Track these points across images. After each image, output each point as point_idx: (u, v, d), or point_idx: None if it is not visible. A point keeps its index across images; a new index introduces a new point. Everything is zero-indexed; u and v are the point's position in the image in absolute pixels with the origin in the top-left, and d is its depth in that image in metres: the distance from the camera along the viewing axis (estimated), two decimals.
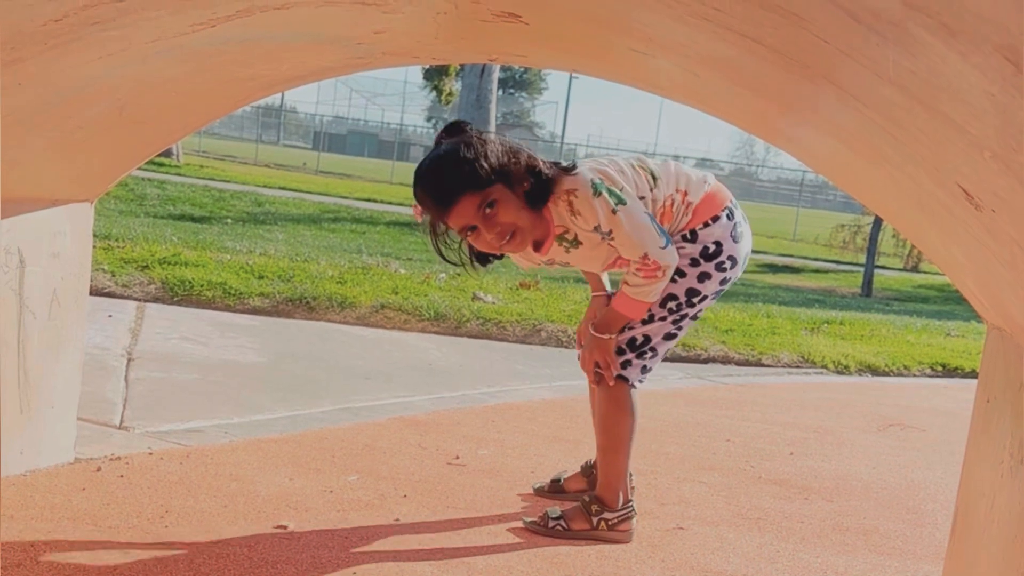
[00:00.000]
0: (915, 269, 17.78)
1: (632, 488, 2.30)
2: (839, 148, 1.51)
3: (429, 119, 53.11)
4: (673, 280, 2.15)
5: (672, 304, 2.19)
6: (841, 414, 4.00)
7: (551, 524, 2.23)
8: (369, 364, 3.98)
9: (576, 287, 6.43)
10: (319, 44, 1.92)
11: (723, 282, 2.21)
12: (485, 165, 1.95)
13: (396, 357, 4.20)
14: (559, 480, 2.54)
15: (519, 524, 2.27)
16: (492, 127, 15.38)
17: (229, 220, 11.50)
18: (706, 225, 2.18)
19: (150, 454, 2.51)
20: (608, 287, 2.41)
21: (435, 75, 24.89)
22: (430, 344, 4.59)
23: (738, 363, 4.97)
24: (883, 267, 16.41)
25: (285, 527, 2.10)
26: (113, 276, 4.83)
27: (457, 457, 2.79)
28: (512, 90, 61.27)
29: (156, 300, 4.75)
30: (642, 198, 2.10)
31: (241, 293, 4.91)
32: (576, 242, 2.11)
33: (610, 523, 2.22)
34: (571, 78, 37.92)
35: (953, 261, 1.47)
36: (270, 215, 12.82)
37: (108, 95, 1.89)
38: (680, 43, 1.49)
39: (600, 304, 2.38)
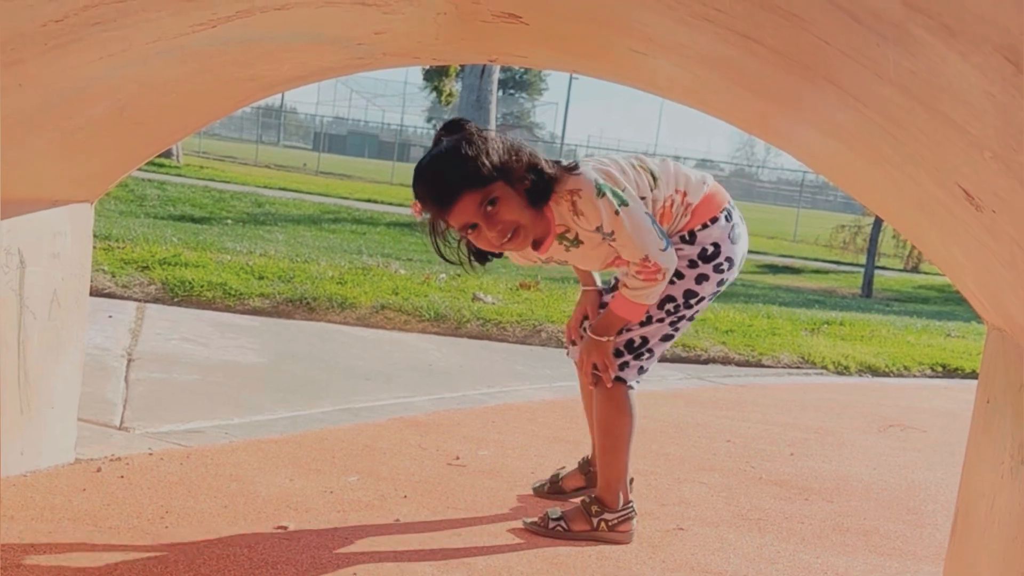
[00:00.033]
0: (915, 270, 17.78)
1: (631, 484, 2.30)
2: (839, 148, 1.51)
3: (429, 120, 53.12)
4: (671, 282, 2.14)
5: (670, 306, 2.19)
6: (841, 415, 4.00)
7: (551, 525, 2.23)
8: (369, 365, 3.98)
9: (577, 287, 6.41)
10: (319, 45, 1.92)
11: (720, 283, 2.21)
12: (487, 162, 1.93)
13: (396, 358, 4.20)
14: (558, 477, 2.54)
15: (519, 525, 2.27)
16: (492, 128, 15.38)
17: (229, 221, 11.50)
18: (705, 227, 2.17)
19: (150, 455, 2.51)
20: (599, 282, 2.40)
21: (435, 76, 24.89)
22: (430, 345, 4.59)
23: (738, 364, 4.97)
24: (883, 268, 16.41)
25: (285, 528, 2.11)
26: (113, 277, 4.83)
27: (457, 458, 2.79)
28: (512, 91, 61.28)
29: (156, 301, 4.75)
30: (643, 198, 2.10)
31: (241, 294, 4.91)
32: (577, 241, 2.11)
33: (610, 524, 2.22)
34: (571, 79, 37.94)
35: (953, 261, 1.47)
36: (270, 216, 12.82)
37: (108, 96, 1.89)
38: (680, 43, 1.49)
39: (590, 299, 2.37)
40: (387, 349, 4.37)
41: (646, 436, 3.17)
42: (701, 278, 2.17)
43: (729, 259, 2.19)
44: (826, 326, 6.26)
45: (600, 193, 2.01)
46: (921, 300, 13.13)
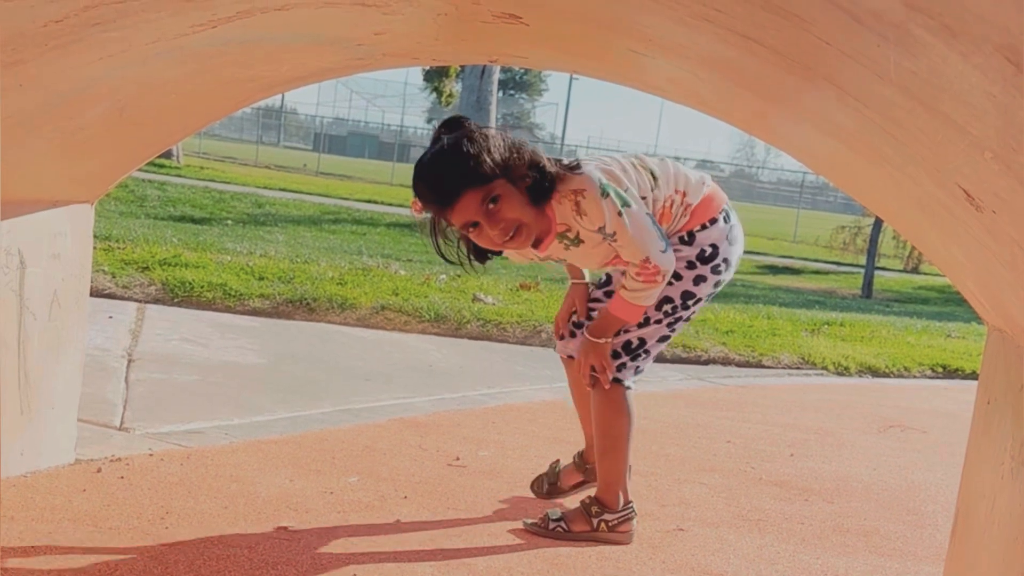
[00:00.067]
0: (915, 271, 17.78)
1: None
2: (839, 148, 1.51)
3: (429, 121, 53.06)
4: (670, 283, 2.14)
5: (668, 307, 2.18)
6: (841, 415, 4.00)
7: (551, 525, 2.23)
8: (369, 365, 3.98)
9: None
10: (319, 45, 1.92)
11: (716, 284, 2.21)
12: (488, 160, 1.91)
13: (396, 358, 4.20)
14: (555, 476, 2.52)
15: (519, 525, 2.27)
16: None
17: (229, 221, 11.50)
18: (704, 228, 2.17)
19: (150, 455, 2.51)
20: (587, 276, 2.39)
21: (435, 77, 24.89)
22: (430, 345, 4.59)
23: (738, 364, 4.97)
24: (883, 268, 16.41)
25: (286, 528, 2.10)
26: (113, 277, 4.83)
27: (457, 458, 2.79)
28: (512, 91, 61.28)
29: (156, 301, 4.75)
30: (643, 198, 2.10)
31: (241, 294, 4.91)
32: (577, 240, 2.10)
33: (610, 524, 2.22)
34: (571, 79, 37.97)
35: (953, 262, 1.47)
36: (270, 216, 12.82)
37: (108, 96, 1.89)
38: (680, 44, 1.49)
39: (579, 292, 2.36)
40: (387, 350, 4.37)
41: (646, 437, 3.17)
42: (699, 279, 2.17)
43: (726, 260, 2.19)
44: (826, 327, 6.26)
45: (604, 193, 2.00)
46: (921, 301, 13.13)
